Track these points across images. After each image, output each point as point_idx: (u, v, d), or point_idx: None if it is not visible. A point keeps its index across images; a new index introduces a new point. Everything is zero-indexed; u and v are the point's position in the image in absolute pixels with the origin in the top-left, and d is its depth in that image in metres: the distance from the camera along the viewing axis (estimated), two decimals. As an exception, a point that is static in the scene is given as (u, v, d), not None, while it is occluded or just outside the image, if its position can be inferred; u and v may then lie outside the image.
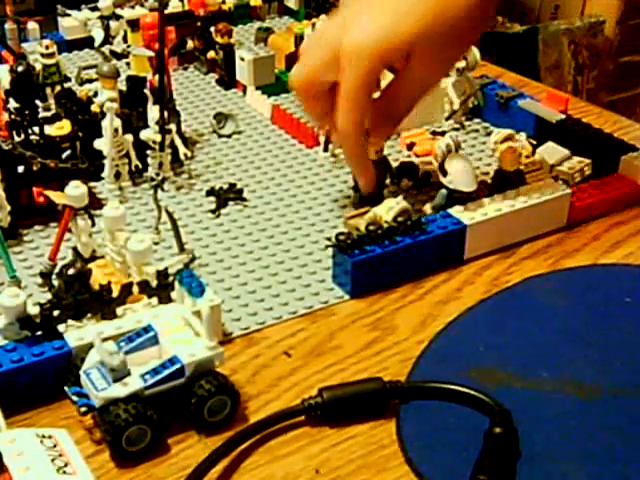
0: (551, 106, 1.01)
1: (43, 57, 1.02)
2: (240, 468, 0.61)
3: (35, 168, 0.85)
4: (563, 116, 0.99)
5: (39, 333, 0.66)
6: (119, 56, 1.20)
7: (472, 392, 0.64)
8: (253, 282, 0.79)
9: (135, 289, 0.69)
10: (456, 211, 0.82)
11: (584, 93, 2.10)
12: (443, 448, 0.62)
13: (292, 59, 1.14)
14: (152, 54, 1.03)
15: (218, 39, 1.14)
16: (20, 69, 0.92)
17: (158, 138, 0.92)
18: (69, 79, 1.05)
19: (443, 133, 0.98)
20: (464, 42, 0.82)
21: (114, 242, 0.75)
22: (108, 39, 1.23)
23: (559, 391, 0.66)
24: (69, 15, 1.25)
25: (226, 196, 0.91)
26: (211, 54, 1.17)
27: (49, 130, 0.89)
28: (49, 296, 0.71)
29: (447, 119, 1.05)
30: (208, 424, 0.63)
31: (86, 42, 1.24)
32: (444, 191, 0.83)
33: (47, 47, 1.02)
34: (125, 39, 1.22)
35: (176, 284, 0.67)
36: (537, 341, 0.72)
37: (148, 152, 0.93)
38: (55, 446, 0.54)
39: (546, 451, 0.61)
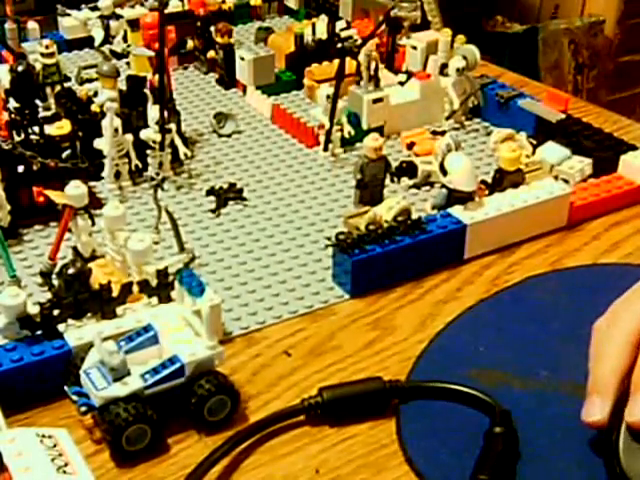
0: (551, 106, 1.01)
1: (43, 57, 1.01)
2: (240, 468, 0.61)
3: (35, 168, 0.85)
4: (563, 116, 0.99)
5: (39, 333, 0.66)
6: (119, 56, 1.20)
7: (472, 392, 0.64)
8: (253, 282, 0.79)
9: (135, 288, 0.69)
10: (456, 211, 0.82)
11: (584, 93, 2.10)
12: (443, 448, 0.62)
13: (292, 59, 1.14)
14: (152, 54, 1.03)
15: (218, 39, 1.14)
16: (20, 69, 0.92)
17: (158, 138, 0.92)
18: (69, 79, 1.05)
19: (443, 133, 0.98)
20: None
21: (114, 242, 0.75)
22: (108, 39, 1.23)
23: (559, 391, 0.66)
24: (69, 15, 1.25)
25: (226, 196, 0.91)
26: (211, 54, 1.17)
27: (49, 130, 0.89)
28: (49, 296, 0.71)
29: (447, 119, 1.05)
30: (208, 424, 0.63)
31: (86, 42, 1.24)
32: (444, 191, 0.83)
33: (47, 47, 1.02)
34: (125, 39, 1.22)
35: (176, 284, 0.67)
36: (537, 341, 0.72)
37: (148, 152, 0.93)
38: (55, 446, 0.54)
39: (546, 451, 0.61)
